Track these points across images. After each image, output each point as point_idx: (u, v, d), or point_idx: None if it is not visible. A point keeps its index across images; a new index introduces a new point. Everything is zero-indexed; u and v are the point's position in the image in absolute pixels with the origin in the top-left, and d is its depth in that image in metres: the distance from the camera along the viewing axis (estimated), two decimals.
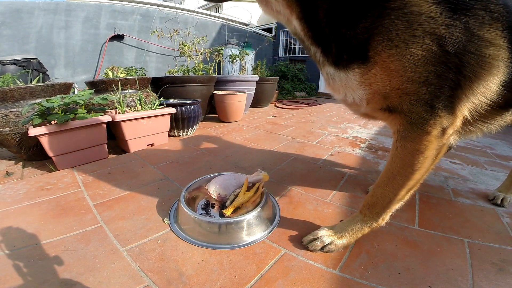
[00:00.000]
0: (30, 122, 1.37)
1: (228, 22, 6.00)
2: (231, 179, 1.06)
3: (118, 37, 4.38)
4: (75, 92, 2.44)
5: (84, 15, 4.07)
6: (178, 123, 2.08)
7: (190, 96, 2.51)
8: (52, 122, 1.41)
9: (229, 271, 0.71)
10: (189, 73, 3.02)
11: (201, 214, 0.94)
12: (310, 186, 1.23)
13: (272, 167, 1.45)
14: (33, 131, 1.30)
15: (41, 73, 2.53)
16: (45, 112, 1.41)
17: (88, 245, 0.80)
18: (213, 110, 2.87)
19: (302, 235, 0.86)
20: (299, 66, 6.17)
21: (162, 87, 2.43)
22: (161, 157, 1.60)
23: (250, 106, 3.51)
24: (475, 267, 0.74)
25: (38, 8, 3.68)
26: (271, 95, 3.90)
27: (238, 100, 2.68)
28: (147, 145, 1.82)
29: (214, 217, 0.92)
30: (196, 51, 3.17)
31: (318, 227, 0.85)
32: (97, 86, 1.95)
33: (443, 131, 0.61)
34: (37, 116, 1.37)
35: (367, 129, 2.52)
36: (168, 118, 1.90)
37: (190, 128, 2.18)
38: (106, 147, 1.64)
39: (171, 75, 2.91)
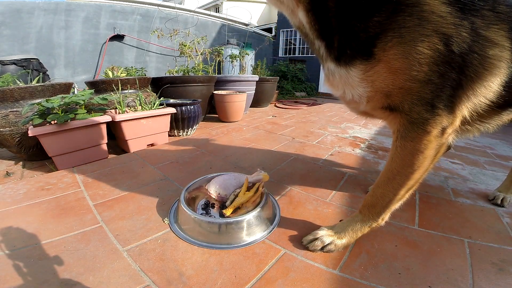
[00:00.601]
0: (30, 122, 1.37)
1: (228, 22, 6.00)
2: (231, 179, 1.06)
3: (118, 37, 4.38)
4: (75, 92, 2.44)
5: (84, 15, 4.07)
6: (178, 123, 2.08)
7: (190, 96, 2.51)
8: (52, 122, 1.41)
9: (229, 271, 0.71)
10: (189, 73, 3.02)
11: (201, 214, 0.94)
12: (310, 186, 1.23)
13: (272, 167, 1.45)
14: (33, 131, 1.30)
15: (41, 73, 2.53)
16: (45, 112, 1.41)
17: (88, 245, 0.80)
18: (213, 110, 2.87)
19: (302, 235, 0.86)
20: (299, 66, 6.17)
21: (162, 87, 2.43)
22: (161, 157, 1.60)
23: (250, 106, 3.51)
24: (475, 267, 0.74)
25: (38, 8, 3.68)
26: (271, 95, 3.90)
27: (238, 100, 2.68)
28: (147, 145, 1.82)
29: (214, 217, 0.92)
30: (196, 51, 3.17)
31: (318, 227, 0.85)
32: (97, 86, 1.95)
33: (443, 130, 0.61)
34: (37, 116, 1.37)
35: (367, 129, 2.52)
36: (168, 118, 1.90)
37: (190, 128, 2.18)
38: (106, 147, 1.64)
39: (171, 75, 2.91)
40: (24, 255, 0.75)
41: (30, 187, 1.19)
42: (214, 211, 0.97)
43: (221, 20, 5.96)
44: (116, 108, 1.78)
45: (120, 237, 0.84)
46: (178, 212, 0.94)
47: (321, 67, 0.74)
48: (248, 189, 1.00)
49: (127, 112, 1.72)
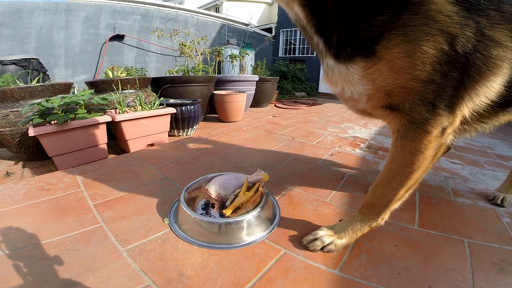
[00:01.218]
0: (30, 122, 1.37)
1: (228, 22, 6.00)
2: (231, 179, 1.06)
3: (118, 37, 4.38)
4: (75, 92, 2.44)
5: (84, 15, 4.07)
6: (178, 123, 2.08)
7: (190, 96, 2.51)
8: (52, 122, 1.41)
9: (229, 271, 0.71)
10: (189, 73, 3.02)
11: (201, 214, 0.94)
12: (310, 186, 1.23)
13: (272, 167, 1.45)
14: (33, 131, 1.31)
15: (41, 73, 2.53)
16: (45, 112, 1.41)
17: (88, 245, 0.80)
18: (213, 110, 2.87)
19: (302, 235, 0.86)
20: (299, 66, 6.17)
21: (162, 87, 2.43)
22: (161, 157, 1.60)
23: (250, 106, 3.51)
24: (475, 267, 0.74)
25: (38, 8, 3.68)
26: (271, 95, 3.90)
27: (238, 100, 2.68)
28: (147, 145, 1.82)
29: (214, 217, 0.92)
30: (196, 51, 3.17)
31: (318, 227, 0.85)
32: (97, 86, 1.95)
33: (443, 130, 0.61)
34: (37, 116, 1.37)
35: (367, 129, 2.52)
36: (168, 118, 1.90)
37: (190, 128, 2.18)
38: (106, 147, 1.64)
39: (171, 75, 2.91)
40: (24, 255, 0.75)
41: (30, 187, 1.19)
42: (214, 211, 0.97)
43: (221, 20, 5.96)
44: (116, 108, 1.78)
45: (120, 237, 0.84)
46: (178, 212, 0.94)
47: (321, 63, 0.73)
48: (248, 189, 1.00)
49: (127, 112, 1.72)
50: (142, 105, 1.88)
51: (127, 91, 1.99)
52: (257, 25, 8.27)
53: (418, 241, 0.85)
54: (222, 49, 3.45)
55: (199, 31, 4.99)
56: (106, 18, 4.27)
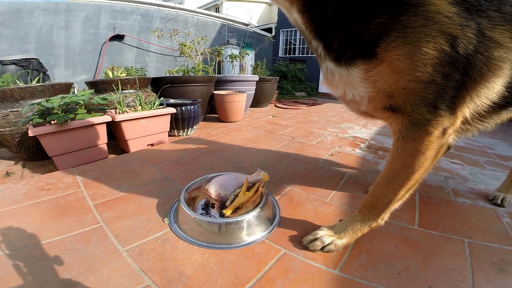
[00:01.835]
0: (30, 122, 1.37)
1: (228, 22, 6.00)
2: (231, 179, 1.06)
3: (118, 37, 4.38)
4: (75, 92, 2.44)
5: (84, 15, 4.07)
6: (178, 123, 2.08)
7: (190, 96, 2.51)
8: (52, 122, 1.41)
9: (229, 271, 0.71)
10: (189, 73, 3.02)
11: (201, 214, 0.94)
12: (310, 186, 1.23)
13: (272, 167, 1.45)
14: (33, 131, 1.30)
15: (41, 73, 2.53)
16: (45, 112, 1.41)
17: (88, 245, 0.80)
18: (213, 110, 2.88)
19: (302, 235, 0.86)
20: (299, 66, 6.18)
21: (162, 87, 2.43)
22: (161, 157, 1.60)
23: (250, 106, 3.51)
24: (475, 267, 0.74)
25: (38, 8, 3.68)
26: (271, 95, 3.90)
27: (238, 100, 2.68)
28: (147, 145, 1.82)
29: (214, 217, 0.92)
30: (196, 51, 3.17)
31: (318, 227, 0.85)
32: (97, 86, 1.95)
33: (444, 131, 0.61)
34: (37, 116, 1.37)
35: (367, 129, 2.52)
36: (168, 118, 1.90)
37: (190, 128, 2.18)
38: (106, 147, 1.64)
39: (171, 75, 2.91)
40: (24, 255, 0.75)
41: (30, 187, 1.19)
42: (214, 211, 0.97)
43: (221, 20, 5.96)
44: (116, 108, 1.78)
45: (120, 237, 0.84)
46: (178, 212, 0.94)
47: (320, 66, 0.73)
48: (248, 189, 1.00)
49: (127, 112, 1.72)
50: (142, 105, 1.88)
51: (127, 91, 1.99)
52: (257, 25, 8.27)
53: (418, 241, 0.85)
54: (222, 49, 3.45)
55: (199, 31, 4.99)
56: (106, 18, 4.27)
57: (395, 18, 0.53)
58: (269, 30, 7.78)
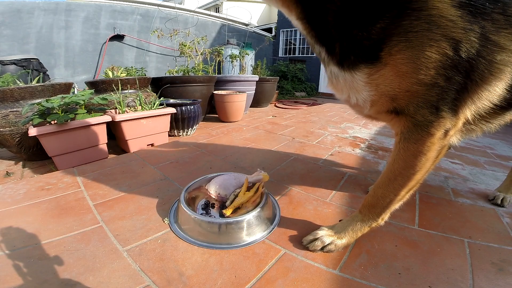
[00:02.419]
0: (30, 122, 1.37)
1: (228, 22, 6.00)
2: (231, 179, 1.06)
3: (118, 37, 4.38)
4: (75, 92, 2.44)
5: (84, 15, 4.07)
6: (178, 123, 2.08)
7: (190, 96, 2.51)
8: (52, 122, 1.41)
9: (229, 271, 0.71)
10: (189, 73, 3.02)
11: (201, 214, 0.94)
12: (310, 186, 1.23)
13: (272, 167, 1.45)
14: (33, 131, 1.30)
15: (41, 73, 2.53)
16: (45, 112, 1.41)
17: (88, 245, 0.80)
18: (213, 110, 2.87)
19: (302, 235, 0.86)
20: (299, 66, 6.17)
21: (162, 87, 2.43)
22: (161, 157, 1.60)
23: (250, 106, 3.51)
24: (475, 267, 0.74)
25: (38, 8, 3.68)
26: (271, 95, 3.90)
27: (238, 100, 2.68)
28: (147, 145, 1.82)
29: (214, 217, 0.92)
30: (196, 51, 3.17)
31: (318, 227, 0.85)
32: (97, 86, 1.95)
33: (446, 132, 0.62)
34: (37, 116, 1.37)
35: (367, 129, 2.52)
36: (168, 118, 1.90)
37: (190, 128, 2.18)
38: (106, 147, 1.64)
39: (171, 75, 2.91)
40: (24, 255, 0.75)
41: (30, 187, 1.19)
42: (214, 211, 0.97)
43: (221, 20, 5.96)
44: (116, 108, 1.78)
45: (120, 237, 0.84)
46: (178, 212, 0.94)
47: (323, 69, 0.74)
48: (248, 189, 1.00)
49: (127, 112, 1.72)
50: (142, 105, 1.88)
51: (127, 91, 1.99)
52: (257, 25, 8.27)
53: (418, 241, 0.85)
54: (222, 49, 3.45)
55: (199, 31, 4.99)
56: (106, 18, 4.27)
57: (397, 23, 0.53)
58: (269, 30, 7.78)
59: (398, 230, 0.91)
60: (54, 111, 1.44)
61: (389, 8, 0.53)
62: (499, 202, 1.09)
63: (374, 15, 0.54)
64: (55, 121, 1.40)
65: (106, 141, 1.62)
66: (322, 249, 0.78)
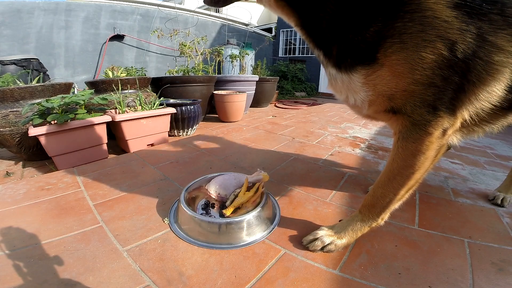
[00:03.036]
0: (30, 122, 1.37)
1: (228, 22, 6.00)
2: (231, 179, 1.06)
3: (118, 37, 4.38)
4: (75, 92, 2.44)
5: (84, 15, 4.07)
6: (178, 123, 2.08)
7: (190, 96, 2.51)
8: (52, 122, 1.41)
9: (229, 271, 0.71)
10: (189, 73, 3.02)
11: (201, 214, 0.94)
12: (310, 186, 1.23)
13: (272, 167, 1.45)
14: (33, 131, 1.30)
15: (41, 73, 2.53)
16: (45, 112, 1.41)
17: (88, 245, 0.80)
18: (213, 110, 2.87)
19: (302, 235, 0.86)
20: (299, 66, 6.17)
21: (162, 87, 2.43)
22: (161, 157, 1.60)
23: (250, 106, 3.51)
24: (475, 267, 0.74)
25: (38, 8, 3.68)
26: (271, 95, 3.90)
27: (238, 100, 2.68)
28: (147, 145, 1.82)
29: (214, 217, 0.92)
30: (196, 51, 3.17)
31: (318, 227, 0.85)
32: (97, 86, 1.95)
33: (444, 132, 0.62)
34: (37, 116, 1.37)
35: (367, 129, 2.52)
36: (168, 118, 1.90)
37: (190, 128, 2.18)
38: (106, 147, 1.64)
39: (171, 75, 2.91)
40: (24, 255, 0.75)
41: (30, 187, 1.19)
42: (214, 211, 0.97)
43: (221, 20, 5.96)
44: (116, 108, 1.78)
45: (120, 237, 0.84)
46: (178, 212, 0.94)
47: (324, 71, 0.75)
48: (248, 189, 1.00)
49: (127, 112, 1.72)
50: (142, 105, 1.88)
51: (127, 91, 1.99)
52: (257, 25, 8.26)
53: (418, 241, 0.85)
54: (222, 49, 3.45)
55: (199, 31, 4.99)
56: (106, 18, 4.27)
57: (390, 25, 0.54)
58: (269, 30, 7.77)
59: (398, 230, 0.91)
60: (54, 111, 1.44)
61: (381, 12, 0.54)
62: (499, 202, 1.09)
63: (366, 19, 0.56)
64: (55, 121, 1.40)
65: (106, 141, 1.62)
66: (322, 249, 0.78)
